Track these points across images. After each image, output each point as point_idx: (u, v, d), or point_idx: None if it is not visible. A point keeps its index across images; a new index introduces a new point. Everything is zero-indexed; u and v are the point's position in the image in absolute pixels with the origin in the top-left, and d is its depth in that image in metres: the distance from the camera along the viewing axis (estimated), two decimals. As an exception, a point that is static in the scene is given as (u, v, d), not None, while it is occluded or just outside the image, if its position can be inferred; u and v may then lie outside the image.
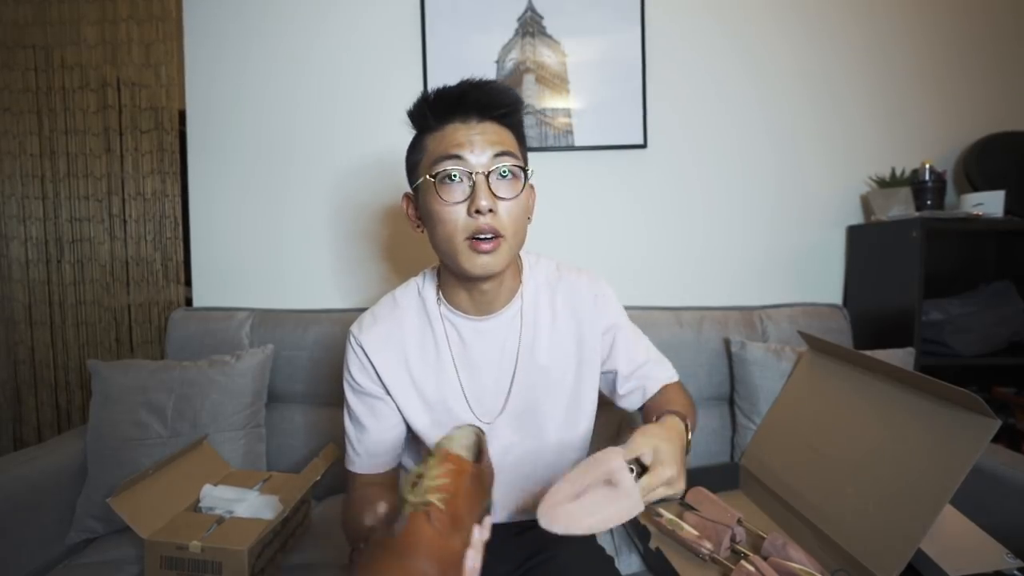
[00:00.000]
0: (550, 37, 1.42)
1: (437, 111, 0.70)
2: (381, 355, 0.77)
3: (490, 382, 0.79)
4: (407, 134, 0.75)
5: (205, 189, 1.47)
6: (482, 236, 0.67)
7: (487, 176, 0.67)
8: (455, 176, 0.67)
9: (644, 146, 1.43)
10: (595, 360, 0.82)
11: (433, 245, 0.73)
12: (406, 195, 0.77)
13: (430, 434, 0.78)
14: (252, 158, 1.46)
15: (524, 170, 0.71)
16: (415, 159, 0.73)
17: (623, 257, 1.47)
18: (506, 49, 1.42)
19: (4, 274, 1.75)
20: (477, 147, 0.68)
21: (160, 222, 1.70)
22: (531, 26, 1.42)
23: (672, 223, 1.47)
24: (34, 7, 1.67)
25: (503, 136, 0.70)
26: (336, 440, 1.14)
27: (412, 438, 0.82)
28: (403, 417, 0.78)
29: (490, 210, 0.66)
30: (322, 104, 1.45)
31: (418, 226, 0.76)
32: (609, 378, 0.86)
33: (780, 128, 1.45)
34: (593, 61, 1.42)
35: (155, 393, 1.12)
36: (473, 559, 0.51)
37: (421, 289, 0.81)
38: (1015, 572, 0.75)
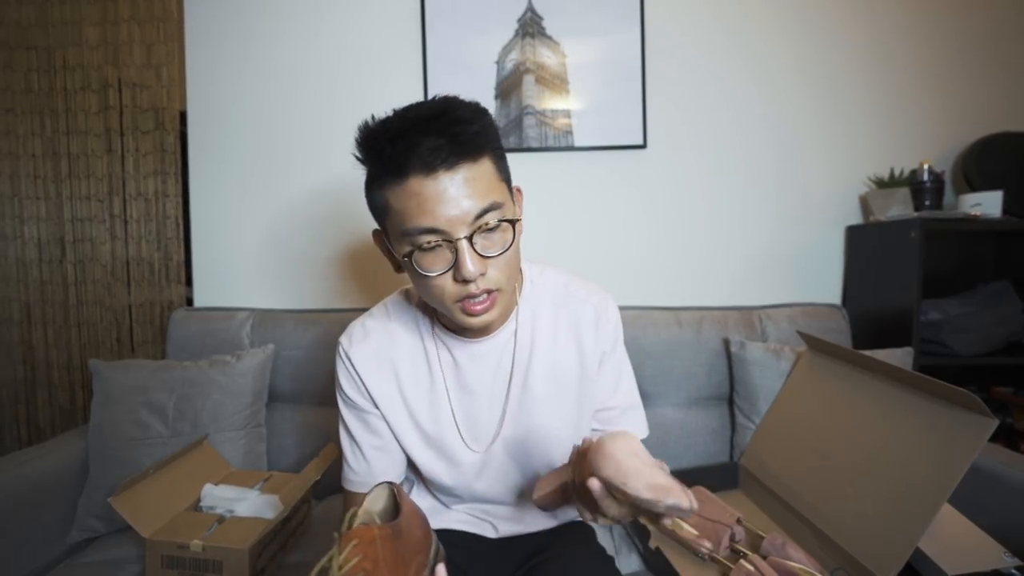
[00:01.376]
0: (550, 38, 1.42)
1: (389, 163, 0.56)
2: (371, 372, 0.72)
3: (483, 408, 0.74)
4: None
5: (205, 189, 1.48)
6: (475, 298, 0.60)
7: (471, 238, 0.57)
8: (433, 245, 0.57)
9: (644, 146, 1.43)
10: (594, 384, 0.76)
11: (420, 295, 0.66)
12: (375, 233, 0.66)
13: (421, 457, 0.75)
14: (252, 158, 1.47)
15: (513, 222, 0.59)
16: (375, 203, 0.61)
17: (623, 257, 1.47)
18: (506, 50, 1.42)
19: (6, 274, 1.76)
20: (452, 209, 0.55)
21: (161, 222, 1.70)
22: (531, 27, 1.42)
23: (672, 223, 1.47)
24: (36, 8, 1.67)
25: (481, 181, 0.57)
26: (336, 440, 1.14)
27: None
28: (394, 436, 0.75)
29: (481, 273, 0.58)
30: (322, 104, 1.45)
31: (399, 268, 0.66)
32: None
33: (780, 128, 1.46)
34: (593, 61, 1.42)
35: (156, 393, 1.13)
36: None
37: (414, 302, 0.76)
38: (1013, 571, 0.75)
